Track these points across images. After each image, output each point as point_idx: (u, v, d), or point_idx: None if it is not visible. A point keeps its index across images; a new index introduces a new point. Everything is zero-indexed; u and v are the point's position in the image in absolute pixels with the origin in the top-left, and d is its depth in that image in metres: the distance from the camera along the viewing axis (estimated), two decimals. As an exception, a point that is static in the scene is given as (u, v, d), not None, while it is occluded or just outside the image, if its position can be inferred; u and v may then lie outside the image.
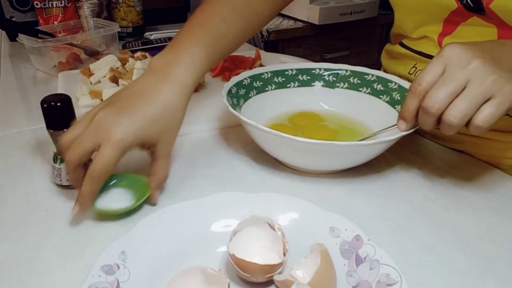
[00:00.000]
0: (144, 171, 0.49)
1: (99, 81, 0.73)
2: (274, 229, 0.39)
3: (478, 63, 0.40)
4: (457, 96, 0.41)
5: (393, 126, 0.50)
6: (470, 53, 0.40)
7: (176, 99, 0.48)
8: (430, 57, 0.59)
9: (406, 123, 0.47)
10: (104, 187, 0.45)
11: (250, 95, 0.62)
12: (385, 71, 0.71)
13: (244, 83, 0.61)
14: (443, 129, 0.43)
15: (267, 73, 0.64)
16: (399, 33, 0.65)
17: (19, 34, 0.84)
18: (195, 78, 0.50)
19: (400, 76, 0.64)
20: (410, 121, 0.46)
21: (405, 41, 0.64)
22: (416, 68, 0.62)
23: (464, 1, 0.51)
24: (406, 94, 0.45)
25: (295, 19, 1.48)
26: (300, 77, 0.66)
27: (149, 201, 0.47)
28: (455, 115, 0.40)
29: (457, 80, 0.40)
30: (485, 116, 0.40)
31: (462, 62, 0.40)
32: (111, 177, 0.46)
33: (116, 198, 0.46)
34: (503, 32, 0.51)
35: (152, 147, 0.47)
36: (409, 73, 0.63)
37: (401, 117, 0.47)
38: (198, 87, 0.77)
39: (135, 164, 0.52)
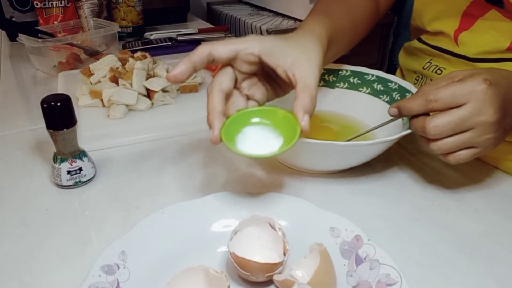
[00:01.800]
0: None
1: (99, 81, 0.73)
2: (274, 229, 0.39)
3: (493, 120, 0.41)
4: (455, 134, 0.43)
5: (389, 120, 0.50)
6: (494, 107, 0.41)
7: (311, 41, 0.46)
8: (446, 51, 0.60)
9: (398, 115, 0.47)
10: (244, 125, 0.42)
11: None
12: (401, 70, 0.72)
13: (244, 83, 0.61)
14: (424, 143, 0.45)
15: (267, 73, 0.64)
16: (417, 26, 0.66)
17: (19, 34, 0.84)
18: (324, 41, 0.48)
19: (415, 72, 0.64)
20: (403, 116, 0.48)
21: (423, 37, 0.65)
22: (430, 63, 0.63)
23: None
24: (416, 92, 0.46)
25: (295, 19, 1.48)
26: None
27: (302, 132, 0.41)
28: (440, 148, 0.43)
29: (467, 125, 0.42)
30: (459, 157, 0.44)
31: (482, 112, 0.41)
32: (251, 113, 0.43)
33: (263, 139, 0.42)
34: None
35: (291, 75, 0.43)
36: (423, 68, 0.64)
37: (398, 107, 0.47)
38: (198, 87, 0.77)
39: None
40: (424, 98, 0.43)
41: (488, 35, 0.55)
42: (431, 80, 0.62)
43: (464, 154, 0.44)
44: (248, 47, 0.43)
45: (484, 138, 0.42)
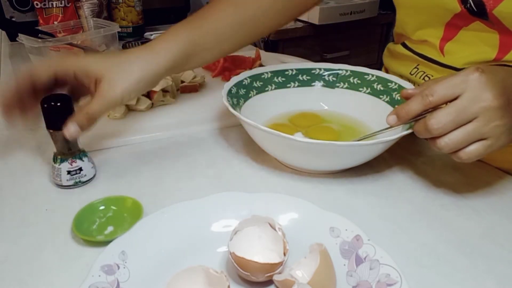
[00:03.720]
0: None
1: (99, 81, 0.73)
2: (274, 229, 0.39)
3: (494, 105, 0.40)
4: (459, 126, 0.42)
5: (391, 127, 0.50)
6: (493, 92, 0.40)
7: (139, 57, 0.50)
8: (432, 60, 0.59)
9: (398, 121, 0.46)
10: (94, 216, 0.45)
11: (250, 95, 0.62)
12: (386, 70, 0.71)
13: (244, 83, 0.61)
14: (432, 145, 0.44)
15: (267, 73, 0.64)
16: (401, 33, 0.65)
17: (19, 34, 0.84)
18: (170, 54, 0.51)
19: (401, 76, 0.63)
20: (403, 122, 0.46)
21: (407, 42, 0.64)
22: (418, 69, 0.62)
23: (468, 5, 0.51)
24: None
25: (295, 19, 1.48)
26: (300, 77, 0.66)
27: (64, 132, 0.47)
28: (448, 144, 0.42)
29: (468, 114, 0.41)
30: (470, 152, 0.42)
31: (481, 98, 0.40)
32: (98, 204, 0.46)
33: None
34: (504, 38, 0.51)
35: (97, 82, 0.48)
36: (410, 73, 0.63)
37: (396, 113, 0.46)
38: (198, 87, 0.77)
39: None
40: (420, 95, 0.43)
41: (473, 45, 0.54)
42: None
43: (475, 149, 0.42)
44: (64, 68, 0.48)
45: (492, 126, 0.41)
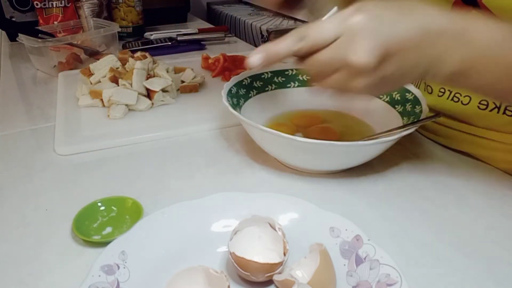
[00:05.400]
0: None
1: (99, 81, 0.73)
2: (274, 229, 0.39)
3: (362, 61, 0.35)
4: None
5: (396, 128, 0.50)
6: (368, 44, 0.35)
7: None
8: None
9: (263, 61, 0.40)
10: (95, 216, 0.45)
11: (250, 95, 0.62)
12: None
13: (244, 83, 0.61)
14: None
15: (267, 73, 0.64)
16: None
17: (19, 34, 0.84)
18: None
19: None
20: (268, 63, 0.40)
21: None
22: None
23: None
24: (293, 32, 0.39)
25: (295, 19, 1.48)
26: (300, 77, 0.66)
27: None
28: (322, 84, 0.39)
29: (335, 63, 0.37)
30: (331, 85, 0.38)
31: (350, 49, 0.35)
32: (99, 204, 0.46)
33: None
34: None
35: None
36: None
37: (266, 52, 0.40)
38: (198, 87, 0.77)
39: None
40: (294, 36, 0.38)
41: None
42: None
43: (335, 81, 0.38)
44: None
45: (355, 82, 0.37)
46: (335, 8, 0.40)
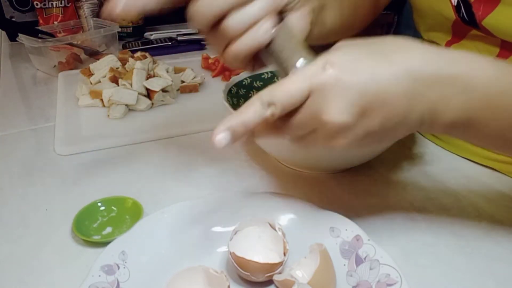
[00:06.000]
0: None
1: (99, 81, 0.73)
2: (274, 229, 0.39)
3: (337, 121, 0.31)
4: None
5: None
6: (341, 102, 0.30)
7: None
8: None
9: (230, 138, 0.33)
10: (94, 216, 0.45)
11: (250, 95, 0.61)
12: None
13: (244, 83, 0.61)
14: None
15: (267, 73, 0.64)
16: (418, 31, 0.65)
17: (19, 34, 0.84)
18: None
19: None
20: (239, 139, 0.33)
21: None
22: None
23: (461, 14, 0.51)
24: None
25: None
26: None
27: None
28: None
29: (308, 126, 0.33)
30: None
31: (323, 109, 0.31)
32: (98, 204, 0.46)
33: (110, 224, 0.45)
34: (503, 45, 0.49)
35: None
36: None
37: (232, 130, 0.33)
38: (198, 87, 0.77)
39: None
40: (259, 103, 0.32)
41: (475, 50, 0.54)
42: None
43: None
44: None
45: (333, 143, 0.33)
46: (301, 60, 0.36)
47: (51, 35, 0.89)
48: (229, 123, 0.33)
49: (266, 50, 0.38)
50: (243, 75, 0.62)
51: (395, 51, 0.33)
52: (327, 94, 0.30)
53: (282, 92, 0.32)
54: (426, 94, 0.32)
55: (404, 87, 0.31)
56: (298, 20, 0.40)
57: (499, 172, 0.55)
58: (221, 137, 0.33)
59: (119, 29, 0.94)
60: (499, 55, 0.50)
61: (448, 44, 0.57)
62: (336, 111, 0.30)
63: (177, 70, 0.80)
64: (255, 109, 0.32)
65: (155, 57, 0.81)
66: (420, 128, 0.34)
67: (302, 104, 0.32)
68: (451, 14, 0.52)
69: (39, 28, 0.92)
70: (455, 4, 0.51)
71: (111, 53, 0.83)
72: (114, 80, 0.71)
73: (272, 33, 0.37)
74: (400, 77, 0.31)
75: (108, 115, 0.66)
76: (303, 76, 0.31)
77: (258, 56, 0.39)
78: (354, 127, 0.31)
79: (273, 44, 0.37)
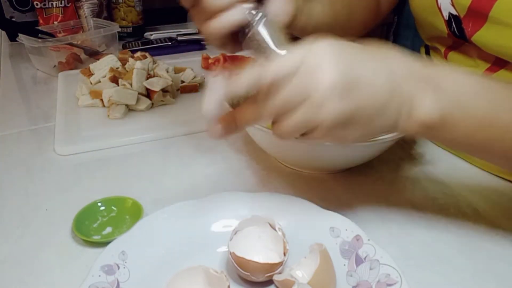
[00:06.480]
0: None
1: (99, 81, 0.73)
2: (274, 229, 0.39)
3: (328, 82, 0.31)
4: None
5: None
6: (331, 67, 0.32)
7: None
8: None
9: (226, 134, 0.36)
10: (94, 216, 0.45)
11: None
12: None
13: (244, 83, 0.61)
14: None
15: (267, 73, 0.64)
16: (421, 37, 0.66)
17: (19, 34, 0.84)
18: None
19: None
20: (235, 132, 0.36)
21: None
22: None
23: (452, 29, 0.51)
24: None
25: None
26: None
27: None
28: (282, 132, 0.35)
29: (302, 93, 0.32)
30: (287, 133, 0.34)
31: (315, 72, 0.32)
32: (98, 204, 0.46)
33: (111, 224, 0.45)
34: (494, 61, 0.49)
35: None
36: None
37: (225, 124, 0.36)
38: (198, 87, 0.77)
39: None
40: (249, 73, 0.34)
41: (470, 59, 0.53)
42: None
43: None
44: None
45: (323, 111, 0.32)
46: (282, 47, 0.37)
47: (51, 35, 0.89)
48: (226, 119, 0.36)
49: (248, 38, 0.40)
50: (243, 75, 0.62)
51: (377, 52, 0.35)
52: (319, 60, 0.32)
53: (276, 62, 0.33)
54: (403, 86, 0.34)
55: (383, 78, 0.33)
56: (280, 4, 0.42)
57: (499, 176, 0.54)
58: (216, 130, 0.37)
59: (119, 29, 0.94)
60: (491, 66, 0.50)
61: (447, 50, 0.57)
62: (326, 75, 0.31)
63: (177, 70, 0.80)
64: (248, 74, 0.34)
65: (155, 57, 0.81)
66: (397, 123, 0.35)
67: (293, 74, 0.32)
68: (444, 28, 0.52)
69: (39, 28, 0.92)
70: (447, 18, 0.51)
71: (111, 53, 0.83)
72: (114, 80, 0.71)
73: (247, 14, 0.39)
74: (379, 68, 0.34)
75: (108, 115, 0.66)
76: (295, 50, 0.33)
77: (239, 39, 0.41)
78: (340, 98, 0.32)
79: (253, 31, 0.39)
